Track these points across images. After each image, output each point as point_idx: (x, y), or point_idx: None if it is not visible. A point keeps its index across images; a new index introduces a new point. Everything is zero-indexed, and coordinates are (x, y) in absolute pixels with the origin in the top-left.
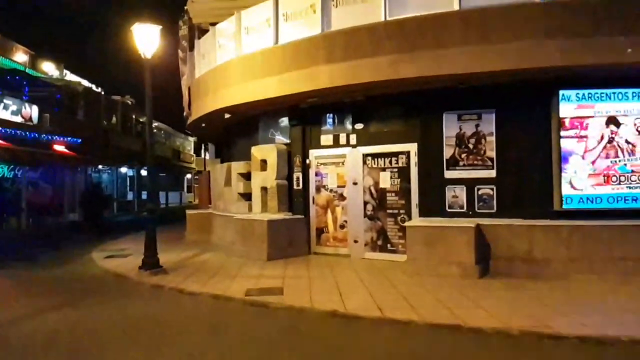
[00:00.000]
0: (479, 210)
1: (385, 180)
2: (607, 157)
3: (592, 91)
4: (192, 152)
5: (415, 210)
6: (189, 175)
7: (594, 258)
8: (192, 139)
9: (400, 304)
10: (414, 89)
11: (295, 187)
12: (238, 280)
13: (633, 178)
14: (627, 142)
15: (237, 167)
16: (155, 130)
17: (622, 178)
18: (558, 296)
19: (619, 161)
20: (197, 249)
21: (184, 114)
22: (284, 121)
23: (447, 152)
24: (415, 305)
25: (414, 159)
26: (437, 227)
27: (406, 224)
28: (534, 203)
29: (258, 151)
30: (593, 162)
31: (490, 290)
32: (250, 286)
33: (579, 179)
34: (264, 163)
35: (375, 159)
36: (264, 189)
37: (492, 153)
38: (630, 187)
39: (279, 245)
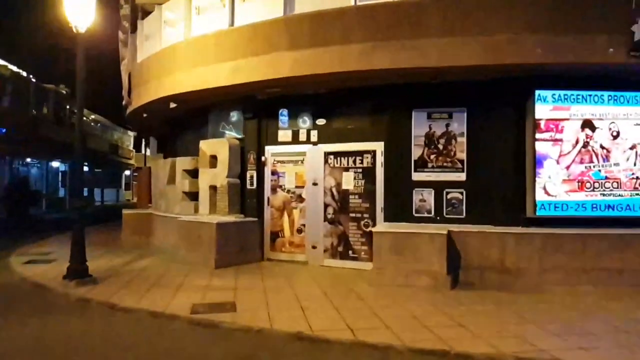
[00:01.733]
0: (447, 216)
1: (349, 181)
2: (581, 162)
3: (569, 92)
4: (131, 148)
5: (380, 214)
6: (127, 172)
7: (567, 268)
8: (131, 134)
9: (373, 323)
10: (382, 83)
11: (248, 186)
12: (182, 293)
13: (607, 185)
14: (601, 147)
15: (183, 163)
16: (92, 124)
17: (596, 185)
18: (539, 311)
19: (594, 167)
20: (134, 254)
21: (123, 102)
22: (238, 114)
23: (416, 153)
24: (390, 325)
25: (380, 159)
26: (406, 234)
27: (373, 229)
28: (505, 209)
29: (207, 146)
30: (567, 167)
31: (465, 304)
32: (197, 300)
33: (553, 184)
34: (213, 159)
35: (338, 158)
36: (213, 188)
37: (462, 155)
38: (603, 195)
39: (229, 251)
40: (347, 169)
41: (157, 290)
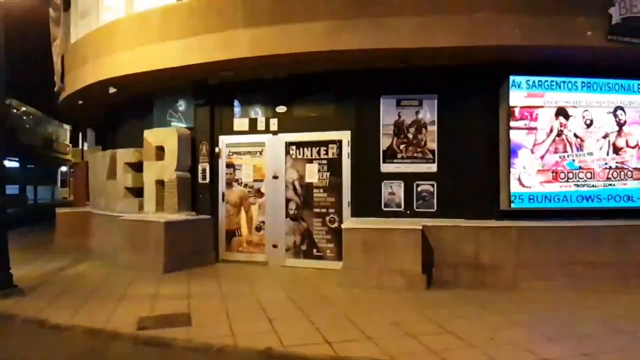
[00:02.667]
0: (418, 210)
1: (312, 173)
2: (555, 151)
3: (543, 79)
4: (68, 142)
5: (346, 209)
6: (64, 168)
7: (543, 263)
8: (67, 127)
9: (352, 334)
10: (349, 68)
11: (200, 180)
12: (126, 304)
13: (580, 175)
14: (575, 135)
15: (125, 155)
16: (23, 117)
17: (570, 175)
18: (526, 312)
19: (567, 156)
20: (70, 259)
21: (55, 88)
22: (188, 100)
23: (384, 143)
24: (371, 335)
25: (346, 150)
26: (378, 230)
27: (342, 226)
28: (478, 202)
29: (153, 136)
30: (542, 157)
31: (446, 306)
32: (144, 313)
33: (528, 175)
34: (160, 151)
35: (301, 149)
36: (160, 183)
37: (433, 145)
38: (577, 185)
39: (180, 253)
40: (310, 161)
41: (96, 302)
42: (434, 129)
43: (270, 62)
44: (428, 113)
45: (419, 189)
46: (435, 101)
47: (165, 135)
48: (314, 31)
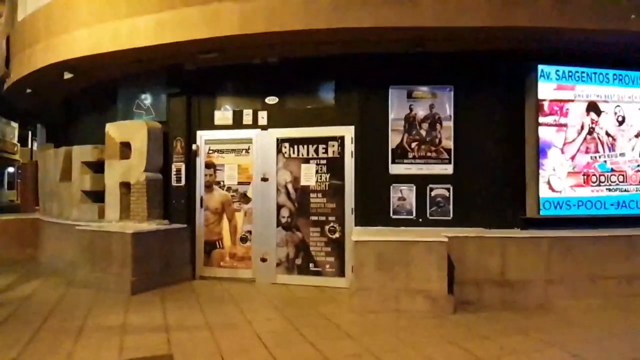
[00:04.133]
0: (431, 217)
1: (309, 175)
2: (587, 151)
3: (573, 69)
4: (15, 141)
5: (350, 217)
6: (10, 169)
7: (576, 277)
8: (15, 125)
9: None
10: (353, 51)
11: (174, 183)
12: (87, 341)
13: (612, 178)
14: (607, 134)
15: (82, 153)
16: None
17: (602, 178)
18: (578, 338)
19: (599, 157)
20: (14, 276)
21: None
22: (160, 89)
23: (394, 140)
24: None
25: (349, 148)
26: (396, 243)
27: (353, 237)
28: (500, 208)
29: (117, 130)
30: (572, 158)
31: (485, 334)
32: (110, 354)
33: (558, 178)
34: (125, 148)
35: (295, 147)
36: (126, 186)
37: (449, 143)
38: (610, 189)
39: (150, 270)
40: (307, 160)
41: (47, 337)
42: (449, 124)
43: (264, 43)
44: (443, 106)
45: (432, 193)
46: (452, 93)
47: (131, 130)
48: (319, 5)
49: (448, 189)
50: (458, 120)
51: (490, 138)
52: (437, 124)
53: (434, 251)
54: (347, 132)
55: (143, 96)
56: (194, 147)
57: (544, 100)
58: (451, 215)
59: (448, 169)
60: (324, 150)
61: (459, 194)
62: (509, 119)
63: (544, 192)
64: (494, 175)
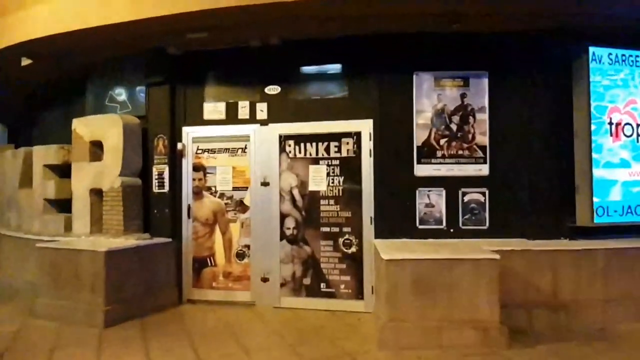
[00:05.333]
0: (464, 227)
1: (319, 178)
2: None
3: (627, 52)
4: None
5: (368, 227)
6: None
7: (638, 296)
8: None
9: None
10: (369, 31)
11: (156, 189)
12: None
13: None
14: None
15: (45, 154)
16: None
17: None
18: None
19: None
20: None
21: None
22: (138, 77)
23: (419, 136)
24: None
25: (367, 145)
26: (437, 262)
27: (383, 255)
28: (544, 215)
29: (86, 127)
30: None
31: None
32: None
33: None
34: (97, 148)
35: (302, 145)
36: (97, 193)
37: (483, 139)
38: None
39: (128, 295)
40: (316, 161)
41: None
42: (484, 117)
43: (265, 18)
44: (477, 96)
45: (465, 198)
46: (486, 80)
47: (104, 126)
48: None
49: (483, 194)
50: (494, 112)
51: (532, 133)
52: (470, 117)
53: (484, 271)
54: (364, 127)
55: (117, 87)
56: (179, 146)
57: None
58: (487, 224)
59: (483, 170)
60: (336, 149)
61: (495, 198)
62: (554, 110)
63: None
64: (537, 177)
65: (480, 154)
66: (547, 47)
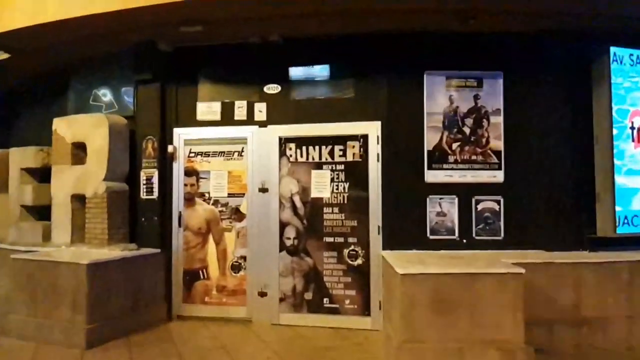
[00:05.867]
0: (477, 237)
1: (322, 184)
2: None
3: None
4: None
5: (376, 237)
6: None
7: None
8: None
9: None
10: (378, 28)
11: (144, 195)
12: None
13: None
14: None
15: (23, 157)
16: None
17: None
18: None
19: None
20: None
21: None
22: (125, 75)
23: (431, 140)
24: None
25: (375, 149)
26: (458, 277)
27: (398, 270)
28: (563, 225)
29: (68, 127)
30: None
31: None
32: None
33: None
34: (79, 150)
35: (304, 148)
36: (80, 199)
37: (498, 143)
38: None
39: (113, 312)
40: (319, 166)
41: None
42: (499, 120)
43: (268, 14)
44: (491, 97)
45: (479, 207)
46: (501, 81)
47: (87, 126)
48: None
49: (498, 202)
50: (509, 114)
51: (549, 137)
52: (484, 120)
53: (508, 286)
54: (372, 130)
55: (103, 85)
56: (169, 148)
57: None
58: (502, 235)
59: (497, 176)
60: (341, 153)
61: (511, 207)
62: (573, 113)
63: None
64: (555, 184)
65: (494, 159)
66: (566, 47)
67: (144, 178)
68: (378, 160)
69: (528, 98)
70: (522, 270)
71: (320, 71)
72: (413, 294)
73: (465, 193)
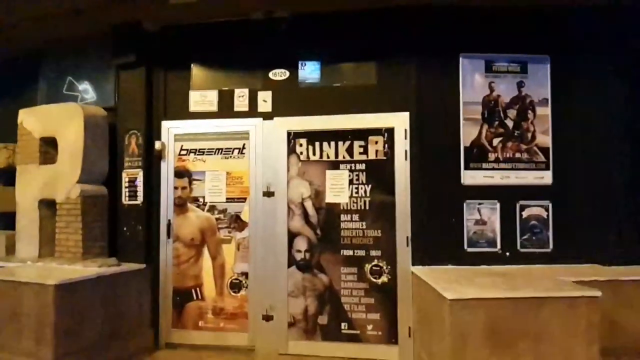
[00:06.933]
0: (522, 249)
1: (340, 187)
2: None
3: None
4: None
5: (404, 250)
6: None
7: None
8: None
9: None
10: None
11: (126, 200)
12: None
13: None
14: None
15: None
16: None
17: None
18: None
19: None
20: None
21: None
22: (104, 59)
23: (468, 134)
24: None
25: (403, 145)
26: (518, 302)
27: (447, 295)
28: (621, 235)
29: (36, 119)
30: None
31: None
32: None
33: None
34: (49, 147)
35: (317, 144)
36: (49, 205)
37: (545, 139)
38: None
39: (86, 343)
40: (335, 165)
41: None
42: (546, 112)
43: None
44: (536, 85)
45: (524, 213)
46: (548, 66)
47: (59, 119)
48: None
49: (546, 207)
50: (558, 105)
51: (605, 131)
52: (529, 111)
53: (580, 313)
54: (399, 122)
55: (79, 71)
56: (157, 145)
57: None
58: (550, 246)
59: (545, 178)
60: (362, 150)
61: (561, 214)
62: (633, 103)
63: None
64: (612, 186)
65: (541, 157)
66: (626, 25)
67: (127, 180)
68: (406, 159)
69: (580, 86)
70: (599, 294)
71: (336, 53)
72: (465, 325)
73: (508, 197)
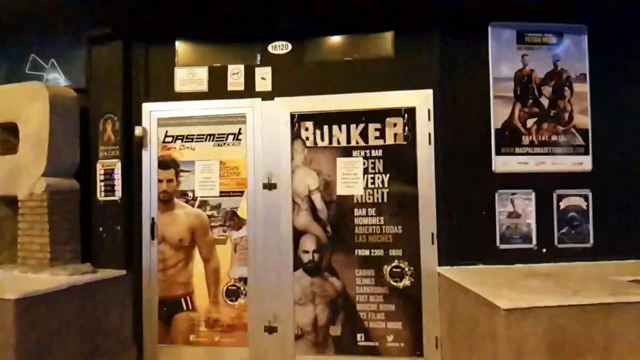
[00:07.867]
0: (560, 245)
1: (353, 178)
2: None
3: None
4: None
5: (429, 248)
6: None
7: None
8: None
9: None
10: None
11: (102, 196)
12: None
13: None
14: None
15: None
16: None
17: None
18: None
19: None
20: None
21: None
22: (74, 31)
23: (499, 114)
24: None
25: (425, 128)
26: (584, 309)
27: (499, 303)
28: None
29: None
30: None
31: None
32: None
33: None
34: (8, 134)
35: (326, 128)
36: (9, 203)
37: (584, 119)
38: None
39: None
40: (347, 151)
41: None
42: (584, 89)
43: None
44: (574, 59)
45: (561, 204)
46: (585, 36)
47: (19, 100)
48: None
49: (585, 197)
50: (598, 82)
51: None
52: (566, 88)
53: None
54: (421, 101)
55: (44, 46)
56: (137, 131)
57: None
58: (591, 241)
59: (585, 163)
60: (378, 134)
61: (602, 204)
62: None
63: None
64: None
65: (580, 140)
66: None
67: (102, 172)
68: (430, 143)
69: (623, 60)
70: None
71: (347, 21)
72: (522, 337)
73: (543, 186)
